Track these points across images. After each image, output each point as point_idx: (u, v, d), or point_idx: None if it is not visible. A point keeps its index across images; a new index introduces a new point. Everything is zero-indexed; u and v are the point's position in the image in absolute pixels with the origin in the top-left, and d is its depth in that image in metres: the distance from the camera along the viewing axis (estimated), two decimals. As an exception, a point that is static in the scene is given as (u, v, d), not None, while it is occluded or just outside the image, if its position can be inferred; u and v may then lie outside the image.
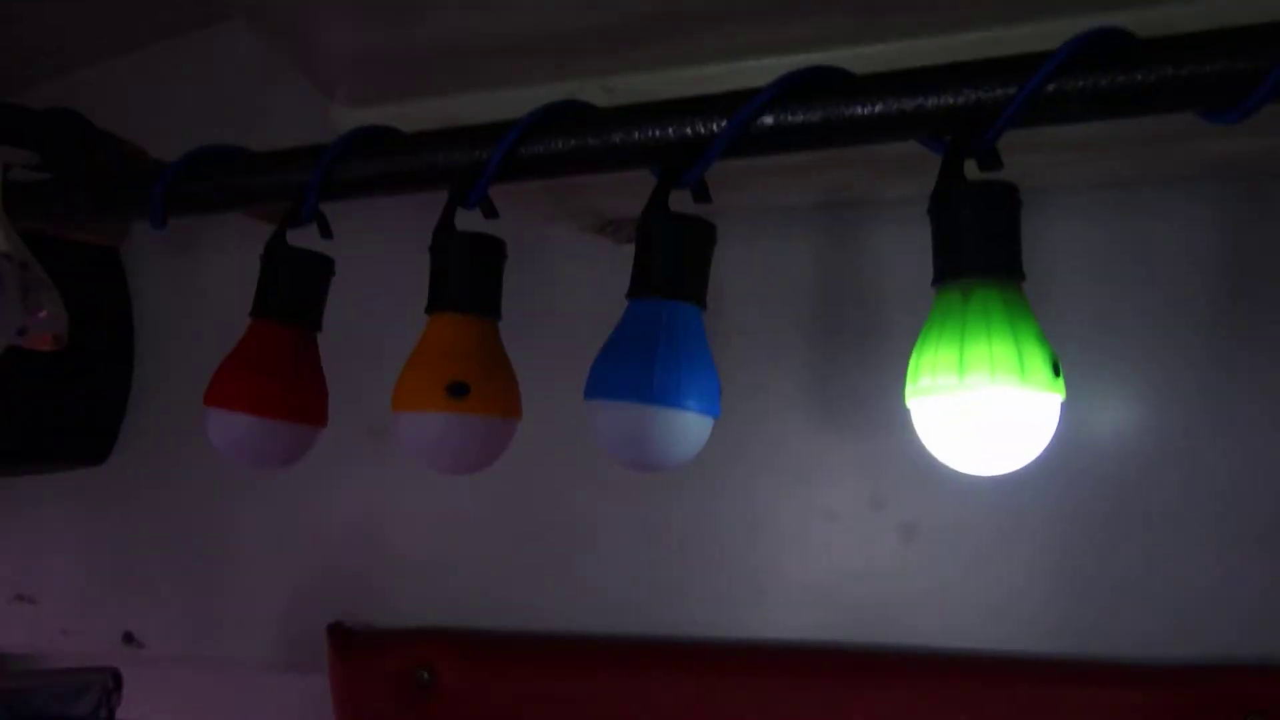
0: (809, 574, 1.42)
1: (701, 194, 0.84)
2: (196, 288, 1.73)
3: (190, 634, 1.73)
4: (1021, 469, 0.77)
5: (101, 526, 1.80)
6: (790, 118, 0.79)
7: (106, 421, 1.76)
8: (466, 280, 0.91)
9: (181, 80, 1.69)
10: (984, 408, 0.72)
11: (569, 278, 1.48)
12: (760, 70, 0.86)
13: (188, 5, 1.59)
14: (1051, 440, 0.76)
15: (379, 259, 1.34)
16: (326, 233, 0.98)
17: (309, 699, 1.61)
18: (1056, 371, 0.74)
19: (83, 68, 1.70)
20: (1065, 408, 0.76)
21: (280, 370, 0.96)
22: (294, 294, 0.99)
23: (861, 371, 1.38)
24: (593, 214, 1.34)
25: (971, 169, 0.76)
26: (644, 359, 0.79)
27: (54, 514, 1.82)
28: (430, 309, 0.91)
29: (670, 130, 0.82)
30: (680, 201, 0.84)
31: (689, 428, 0.81)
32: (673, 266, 0.83)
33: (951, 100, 0.75)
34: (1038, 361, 0.72)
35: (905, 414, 0.78)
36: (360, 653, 1.57)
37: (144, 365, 1.78)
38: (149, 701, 1.59)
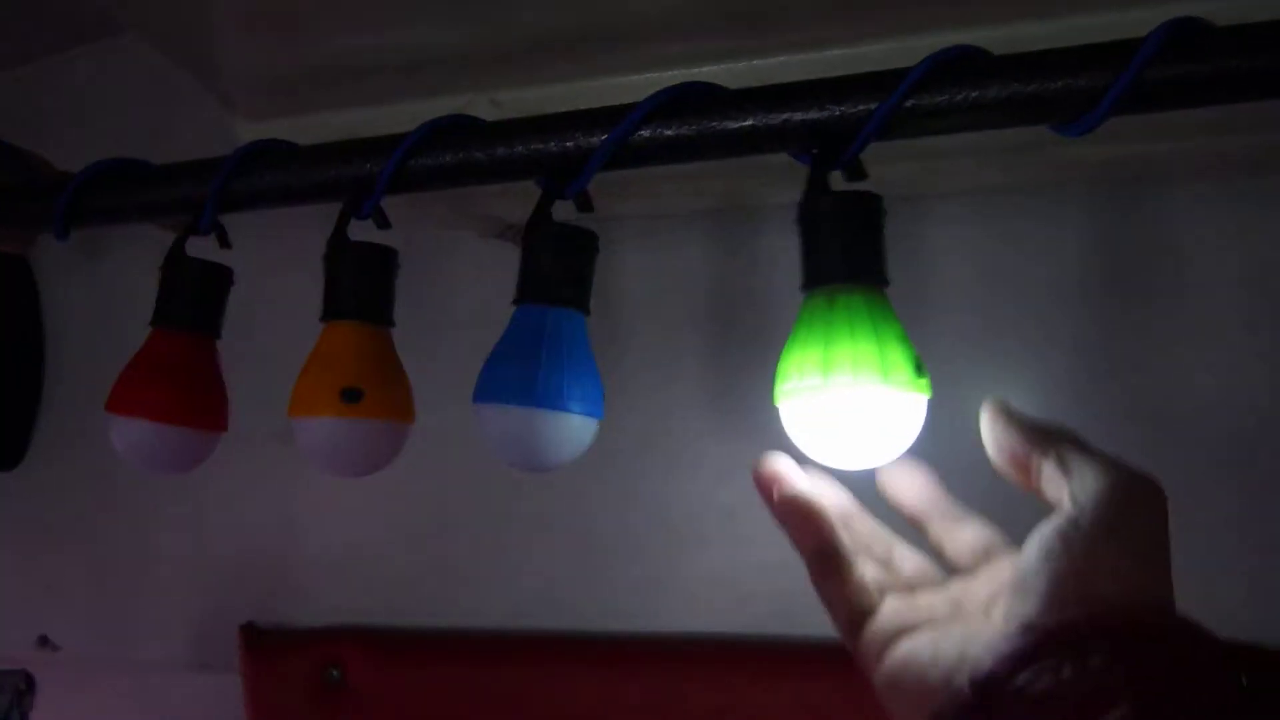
0: (712, 569, 1.44)
1: (584, 204, 0.87)
2: (107, 294, 1.74)
3: (104, 636, 1.73)
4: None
5: (14, 531, 1.80)
6: (665, 131, 0.82)
7: (17, 427, 1.76)
8: (359, 289, 0.94)
9: (82, 92, 1.69)
10: (847, 406, 0.76)
11: (466, 283, 1.50)
12: (640, 85, 0.90)
13: (86, 18, 1.59)
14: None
15: (281, 268, 1.35)
16: (225, 243, 1.00)
17: (222, 698, 1.61)
18: (920, 371, 0.78)
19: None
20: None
21: (179, 377, 0.98)
22: (193, 303, 1.01)
23: (754, 371, 1.39)
24: (492, 220, 1.36)
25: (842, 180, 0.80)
26: (528, 364, 0.83)
27: (-34, 521, 1.82)
28: (325, 317, 0.94)
29: (552, 144, 0.85)
30: (566, 211, 0.87)
31: (573, 430, 0.85)
32: (555, 274, 0.86)
33: (816, 115, 0.79)
34: (900, 362, 0.76)
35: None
36: (271, 652, 1.58)
37: (55, 371, 1.78)
38: (65, 703, 1.60)
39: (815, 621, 1.37)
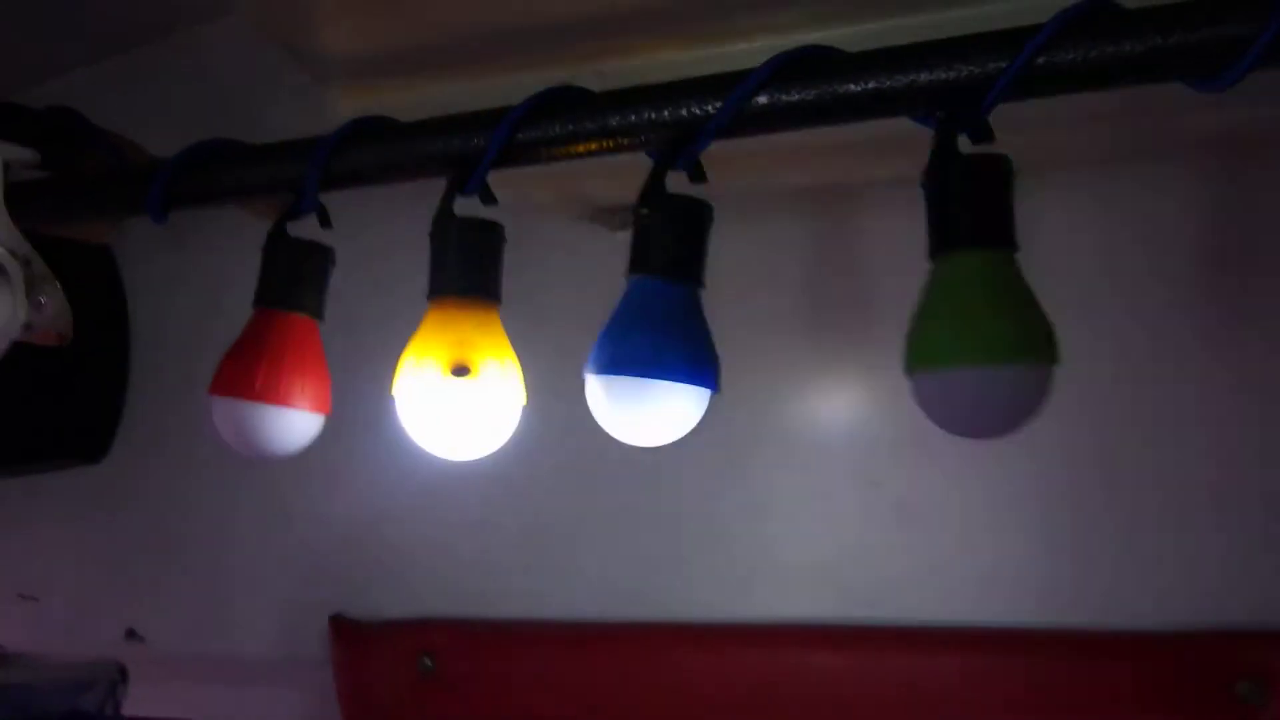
0: (807, 553, 1.43)
1: (698, 174, 0.85)
2: (190, 283, 1.74)
3: (192, 628, 1.74)
4: (1014, 443, 0.78)
5: (101, 523, 1.80)
6: (784, 97, 0.80)
7: (103, 419, 1.76)
8: (467, 264, 0.92)
9: (178, 77, 1.69)
10: (983, 379, 0.74)
11: (562, 266, 1.48)
12: (753, 52, 0.88)
13: (181, 3, 1.59)
14: (1044, 414, 0.77)
15: (373, 248, 1.34)
16: (326, 222, 1.00)
17: (313, 689, 1.62)
18: (1051, 341, 0.75)
19: (80, 67, 1.70)
20: (1058, 381, 0.78)
21: (283, 358, 0.97)
22: (296, 283, 1.00)
23: (855, 350, 1.39)
24: (587, 202, 1.35)
25: (965, 144, 0.78)
26: (646, 335, 0.81)
27: (54, 512, 1.82)
28: (432, 294, 0.92)
29: (666, 112, 0.83)
30: (677, 182, 0.85)
31: (688, 401, 0.83)
32: (672, 245, 0.84)
33: (944, 75, 0.76)
34: (1035, 332, 0.74)
35: (898, 391, 0.79)
36: (363, 642, 1.58)
37: (139, 362, 1.79)
38: (153, 695, 1.60)
39: (911, 605, 1.38)
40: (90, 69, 1.73)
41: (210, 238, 1.66)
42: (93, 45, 1.69)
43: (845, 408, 1.44)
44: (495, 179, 0.91)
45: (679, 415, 0.84)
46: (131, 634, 1.75)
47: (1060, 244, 1.28)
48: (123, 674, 1.45)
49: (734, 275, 1.37)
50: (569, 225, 1.42)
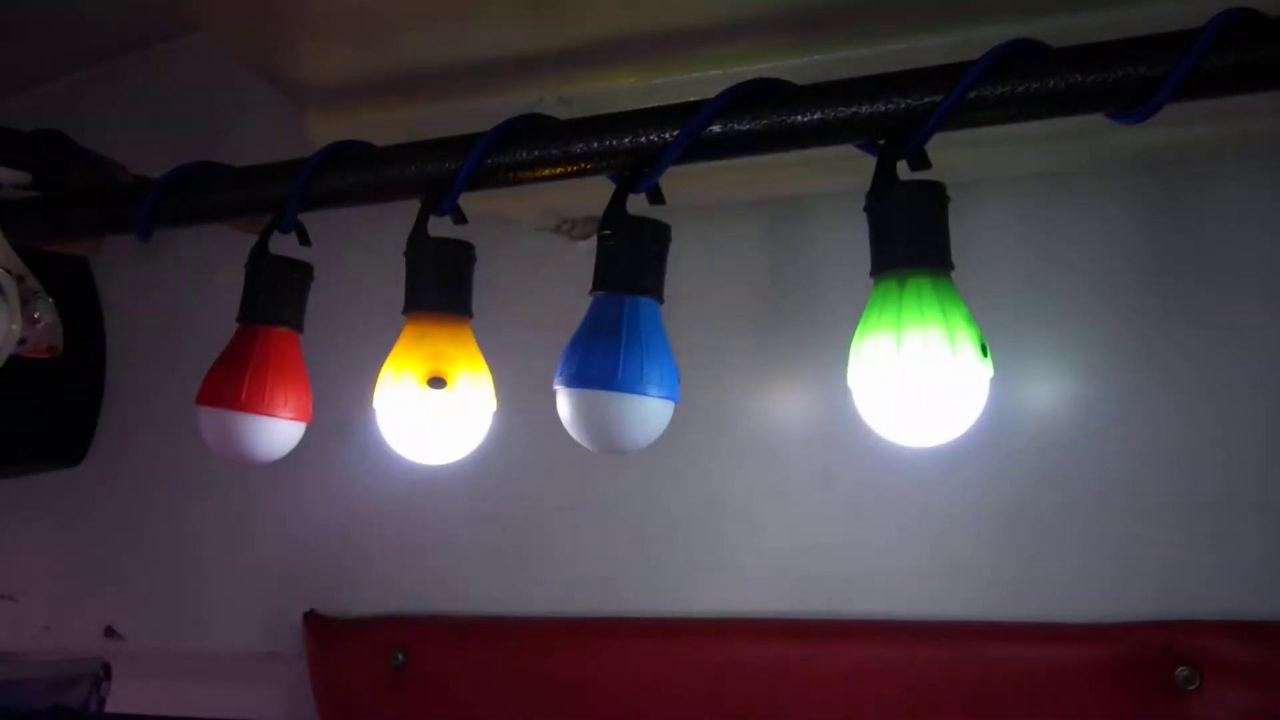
0: (763, 550, 1.47)
1: (656, 197, 0.91)
2: (164, 292, 1.77)
3: (169, 626, 1.77)
4: (962, 445, 0.84)
5: (79, 525, 1.84)
6: (737, 126, 0.86)
7: (81, 424, 1.79)
8: (441, 282, 0.97)
9: (145, 93, 1.71)
10: (919, 386, 0.80)
11: (527, 277, 1.52)
12: (707, 82, 0.93)
13: (149, 20, 1.62)
14: (989, 417, 0.83)
15: (346, 262, 1.38)
16: (305, 241, 1.04)
17: (288, 685, 1.66)
18: (985, 351, 0.81)
19: (51, 80, 1.73)
20: (1001, 386, 0.84)
21: (266, 370, 1.02)
22: (277, 298, 1.05)
23: (807, 356, 1.44)
24: (550, 213, 1.39)
25: (904, 169, 0.83)
26: (610, 350, 0.86)
27: (32, 515, 1.85)
28: (407, 309, 0.97)
29: (627, 140, 0.89)
30: (636, 203, 0.91)
31: (652, 412, 0.89)
32: (633, 264, 0.90)
33: (883, 108, 0.82)
34: (967, 341, 0.80)
35: (848, 394, 0.85)
36: (336, 639, 1.62)
37: (114, 367, 1.82)
38: (133, 692, 1.63)
39: (863, 599, 1.42)
40: (59, 82, 1.76)
41: (180, 248, 1.70)
42: (64, 59, 1.72)
43: (799, 410, 1.48)
44: (464, 195, 0.95)
45: (645, 425, 0.89)
46: (110, 632, 1.78)
47: (1004, 253, 1.34)
48: (106, 670, 1.48)
49: (692, 284, 1.43)
50: (534, 236, 1.46)
